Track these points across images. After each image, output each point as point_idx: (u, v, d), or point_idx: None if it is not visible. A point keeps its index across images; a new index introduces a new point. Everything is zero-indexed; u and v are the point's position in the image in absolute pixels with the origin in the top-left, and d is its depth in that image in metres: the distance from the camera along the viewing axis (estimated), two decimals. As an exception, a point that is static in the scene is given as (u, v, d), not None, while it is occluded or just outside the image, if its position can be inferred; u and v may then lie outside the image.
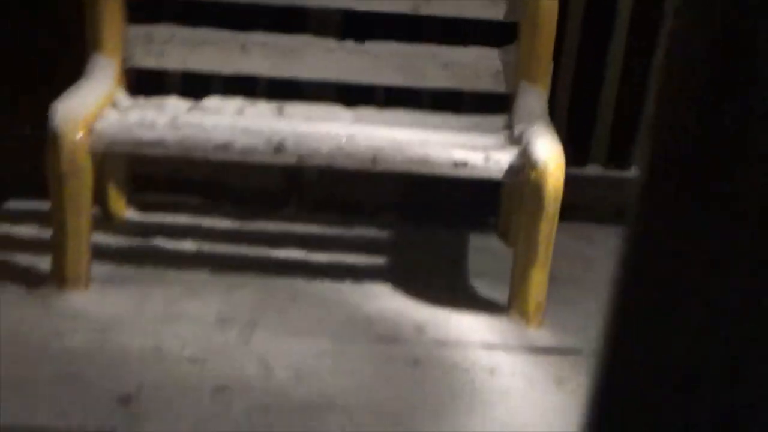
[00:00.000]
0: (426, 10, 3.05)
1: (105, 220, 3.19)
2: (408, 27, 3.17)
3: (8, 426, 2.27)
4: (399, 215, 3.42)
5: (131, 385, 2.43)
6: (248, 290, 2.91)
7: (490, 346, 2.72)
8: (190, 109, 2.99)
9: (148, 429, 2.28)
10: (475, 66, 3.13)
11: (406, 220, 3.38)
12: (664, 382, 0.55)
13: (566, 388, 2.53)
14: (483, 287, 3.01)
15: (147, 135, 2.77)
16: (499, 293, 2.91)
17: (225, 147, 2.75)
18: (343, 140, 2.75)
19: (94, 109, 2.80)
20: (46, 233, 2.89)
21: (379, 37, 3.12)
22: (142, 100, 3.04)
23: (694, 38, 0.53)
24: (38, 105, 2.77)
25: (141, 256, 3.07)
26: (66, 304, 2.76)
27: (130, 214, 3.31)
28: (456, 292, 2.98)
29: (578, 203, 3.01)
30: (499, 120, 3.06)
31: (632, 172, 3.35)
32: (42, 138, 2.71)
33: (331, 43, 3.13)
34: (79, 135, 2.70)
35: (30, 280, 2.86)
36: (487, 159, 2.74)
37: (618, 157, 3.42)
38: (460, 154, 2.75)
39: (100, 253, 2.95)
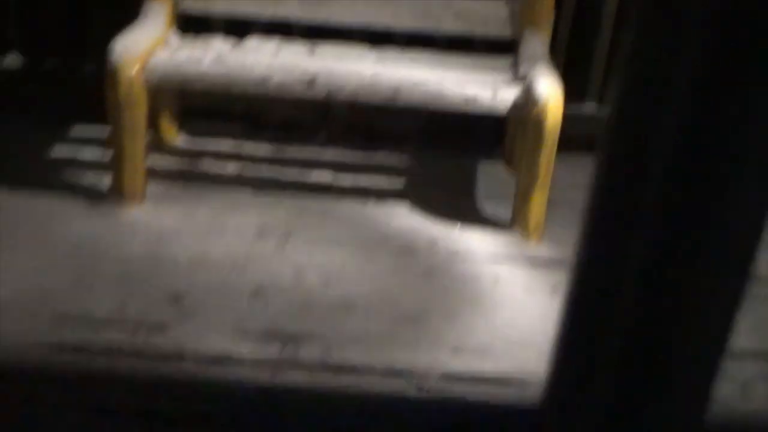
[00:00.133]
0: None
1: (158, 145, 3.20)
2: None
3: (75, 315, 2.30)
4: (416, 144, 3.41)
5: (181, 286, 2.46)
6: (283, 207, 2.92)
7: (494, 259, 2.73)
8: (232, 49, 2.97)
9: (195, 324, 2.31)
10: (484, 14, 3.12)
11: (422, 149, 3.37)
12: (627, 281, 0.56)
13: (560, 296, 2.54)
14: (489, 207, 3.01)
15: (194, 70, 2.77)
16: (503, 212, 2.91)
17: (263, 82, 2.75)
18: (368, 77, 2.75)
19: (148, 47, 2.81)
20: (107, 156, 2.90)
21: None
22: (190, 40, 3.03)
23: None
24: (100, 43, 2.79)
25: (189, 177, 3.08)
26: (124, 217, 2.79)
27: (180, 140, 3.32)
28: (465, 211, 2.99)
29: (575, 136, 2.99)
30: (505, 61, 3.04)
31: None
32: (103, 72, 2.73)
33: (358, -8, 3.12)
34: (135, 70, 2.70)
35: (93, 196, 2.88)
36: (494, 95, 2.74)
37: (610, 96, 3.39)
38: (470, 91, 2.75)
39: (154, 174, 2.97)
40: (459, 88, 2.75)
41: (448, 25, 3.14)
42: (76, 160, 3.13)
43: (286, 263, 2.62)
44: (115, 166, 2.84)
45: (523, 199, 2.83)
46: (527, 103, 2.69)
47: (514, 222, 2.87)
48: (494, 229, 2.89)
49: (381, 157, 3.31)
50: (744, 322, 0.65)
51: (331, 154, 3.31)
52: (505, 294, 2.57)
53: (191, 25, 3.13)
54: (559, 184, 2.90)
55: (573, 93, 3.03)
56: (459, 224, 2.89)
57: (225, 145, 3.33)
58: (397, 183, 3.18)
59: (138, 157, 2.83)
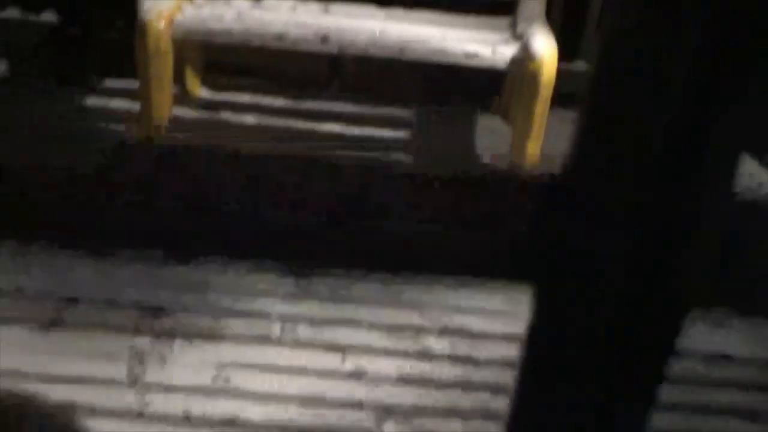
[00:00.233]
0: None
1: (183, 97, 3.17)
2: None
3: (108, 250, 2.30)
4: (420, 98, 3.37)
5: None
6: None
7: (491, 203, 2.72)
8: (252, 7, 2.93)
9: (214, 256, 2.31)
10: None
11: (426, 102, 3.33)
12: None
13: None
14: (487, 157, 2.99)
15: (217, 26, 2.74)
16: (500, 162, 2.89)
17: (280, 37, 2.72)
18: (377, 34, 2.72)
19: (175, 4, 2.77)
20: (135, 106, 2.87)
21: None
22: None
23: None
24: (130, 1, 2.76)
25: (212, 126, 3.06)
26: (152, 162, 2.78)
27: (204, 92, 3.29)
28: (465, 160, 2.97)
29: (568, 93, 2.96)
30: (504, 21, 3.00)
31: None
32: (132, 28, 2.70)
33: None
34: (162, 25, 2.67)
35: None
36: (494, 52, 2.71)
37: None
38: (471, 47, 2.71)
39: (180, 124, 2.94)
40: (460, 45, 2.72)
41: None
42: (107, 108, 3.10)
43: (300, 205, 2.61)
44: (143, 115, 2.82)
45: (518, 150, 2.81)
46: (524, 59, 2.66)
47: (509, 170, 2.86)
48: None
49: (388, 109, 3.27)
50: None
51: (341, 106, 3.28)
52: (501, 235, 2.56)
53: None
54: (551, 136, 2.88)
55: (567, 52, 2.99)
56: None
57: (244, 97, 3.30)
58: (402, 133, 3.15)
59: (164, 107, 2.81)
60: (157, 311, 2.09)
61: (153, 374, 1.90)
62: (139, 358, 1.94)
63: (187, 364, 1.94)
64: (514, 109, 2.97)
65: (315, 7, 2.97)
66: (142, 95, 2.79)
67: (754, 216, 2.47)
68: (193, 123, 3.06)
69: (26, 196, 2.43)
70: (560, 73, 2.68)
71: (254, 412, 1.82)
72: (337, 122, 3.17)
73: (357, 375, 1.96)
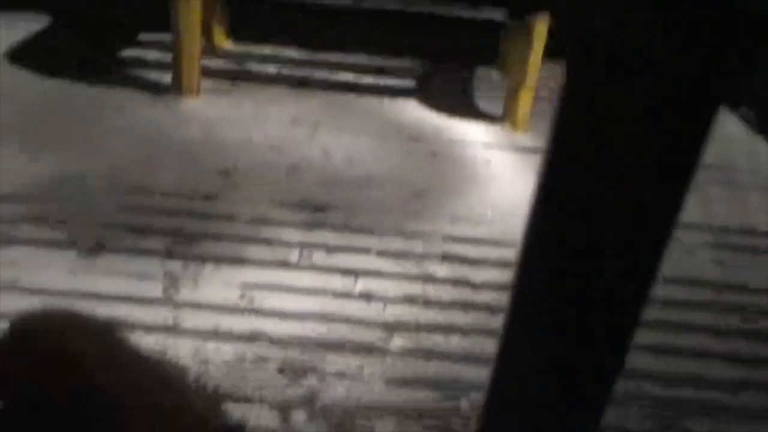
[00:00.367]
0: None
1: (212, 49, 3.12)
2: None
3: (144, 185, 2.28)
4: (425, 53, 3.32)
5: (229, 163, 2.42)
6: (314, 101, 2.86)
7: (487, 145, 2.68)
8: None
9: (241, 194, 2.29)
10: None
11: (430, 56, 3.28)
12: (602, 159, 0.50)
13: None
14: (485, 104, 2.94)
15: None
16: (496, 108, 2.85)
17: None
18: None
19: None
20: (168, 56, 2.83)
21: None
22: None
23: None
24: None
25: (237, 75, 3.01)
26: (182, 107, 2.73)
27: (229, 45, 3.23)
28: (465, 107, 2.92)
29: (563, 47, 2.91)
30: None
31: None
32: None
33: None
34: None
35: (157, 90, 2.82)
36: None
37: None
38: None
39: (207, 72, 2.90)
40: None
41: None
42: (142, 60, 3.06)
43: (316, 146, 2.57)
44: (176, 65, 2.78)
45: (513, 98, 2.78)
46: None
47: (504, 116, 2.82)
48: (488, 122, 2.83)
49: (395, 62, 3.22)
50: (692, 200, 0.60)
51: (354, 58, 3.22)
52: (496, 174, 2.53)
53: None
54: (544, 87, 2.84)
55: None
56: (459, 117, 2.83)
57: (266, 50, 3.24)
58: (408, 84, 3.11)
59: (194, 57, 2.77)
60: (189, 238, 2.08)
61: (185, 294, 1.89)
62: (172, 279, 1.94)
63: (216, 285, 1.93)
64: (509, 62, 2.92)
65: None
66: (174, 47, 2.75)
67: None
68: (219, 72, 3.02)
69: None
70: (551, 29, 2.64)
71: (275, 327, 1.82)
72: (350, 72, 3.12)
73: (367, 296, 1.95)
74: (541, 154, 2.36)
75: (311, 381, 1.69)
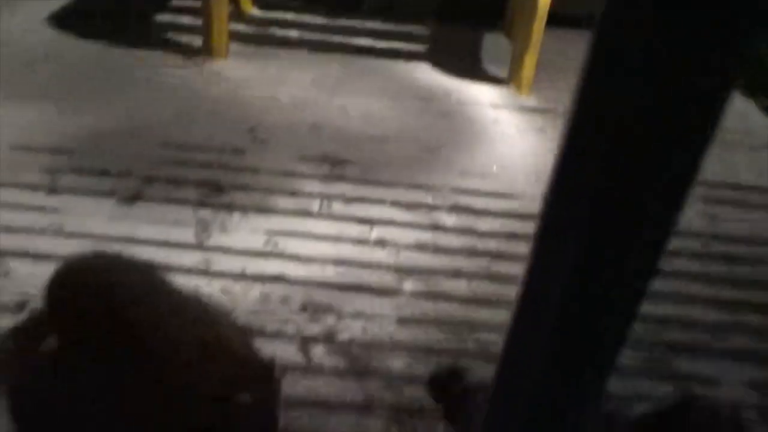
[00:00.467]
0: None
1: (239, 15, 3.09)
2: None
3: (175, 141, 2.27)
4: (436, 18, 3.27)
5: (256, 121, 2.41)
6: (334, 64, 2.83)
7: (494, 106, 2.65)
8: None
9: (267, 149, 2.28)
10: None
11: (441, 22, 3.23)
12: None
13: (544, 135, 2.48)
14: (492, 68, 2.90)
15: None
16: (502, 71, 2.81)
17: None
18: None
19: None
20: (199, 21, 2.80)
21: None
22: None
23: None
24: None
25: (262, 39, 2.98)
26: (212, 68, 2.71)
27: (255, 11, 3.19)
28: (473, 70, 2.88)
29: (565, 14, 2.85)
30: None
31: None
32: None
33: None
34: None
35: (188, 52, 2.80)
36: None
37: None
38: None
39: (235, 36, 2.87)
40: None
41: None
42: (174, 24, 3.03)
43: (335, 106, 2.55)
44: (206, 28, 2.75)
45: (517, 61, 2.73)
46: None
47: (509, 79, 2.78)
48: (494, 84, 2.79)
49: (409, 27, 3.18)
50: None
51: (371, 24, 3.18)
52: (502, 132, 2.50)
53: None
54: (548, 52, 2.79)
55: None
56: (467, 79, 2.80)
57: (288, 15, 3.20)
58: (421, 47, 3.06)
59: (223, 21, 2.73)
60: (219, 189, 2.08)
61: (215, 239, 1.90)
62: (203, 226, 1.94)
63: (243, 232, 1.93)
64: (515, 27, 2.87)
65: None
66: (204, 12, 2.72)
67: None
68: (246, 36, 2.98)
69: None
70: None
71: (297, 270, 1.82)
72: (367, 37, 3.08)
73: (381, 243, 1.95)
74: (544, 115, 2.35)
75: (330, 319, 1.70)
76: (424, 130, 2.46)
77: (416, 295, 1.80)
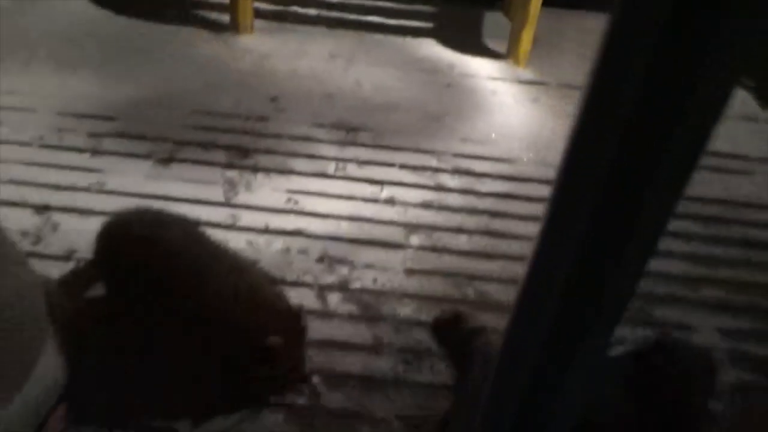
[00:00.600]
0: None
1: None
2: None
3: (205, 109, 2.24)
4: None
5: (278, 91, 2.37)
6: (348, 39, 2.77)
7: (493, 78, 2.59)
8: None
9: (288, 116, 2.24)
10: None
11: (446, 1, 3.15)
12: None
13: (538, 105, 2.43)
14: (491, 43, 2.83)
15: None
16: (500, 47, 2.74)
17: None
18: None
19: None
20: (227, 0, 2.74)
21: None
22: None
23: None
24: None
25: (284, 16, 2.92)
26: (238, 43, 2.66)
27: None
28: (474, 45, 2.82)
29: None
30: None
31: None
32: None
33: None
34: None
35: (216, 27, 2.74)
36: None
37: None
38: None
39: (260, 14, 2.80)
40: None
41: None
42: (206, 2, 2.96)
43: (349, 77, 2.50)
44: (233, 7, 2.68)
45: (515, 38, 2.66)
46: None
47: (508, 54, 2.71)
48: (494, 59, 2.73)
49: (416, 6, 3.10)
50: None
51: (382, 3, 3.11)
52: (500, 102, 2.45)
53: None
54: (545, 29, 2.73)
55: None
56: (469, 54, 2.74)
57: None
58: (426, 25, 2.99)
59: (248, 0, 2.68)
60: (244, 152, 2.05)
61: (241, 197, 1.88)
62: (231, 185, 1.92)
63: (266, 191, 1.91)
64: (513, 5, 2.80)
65: None
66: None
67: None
68: (269, 13, 2.92)
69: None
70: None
71: (315, 226, 1.81)
72: (379, 15, 3.01)
73: (391, 201, 1.93)
74: (539, 86, 2.29)
75: (344, 270, 1.68)
76: (430, 100, 2.42)
77: (422, 248, 1.78)
